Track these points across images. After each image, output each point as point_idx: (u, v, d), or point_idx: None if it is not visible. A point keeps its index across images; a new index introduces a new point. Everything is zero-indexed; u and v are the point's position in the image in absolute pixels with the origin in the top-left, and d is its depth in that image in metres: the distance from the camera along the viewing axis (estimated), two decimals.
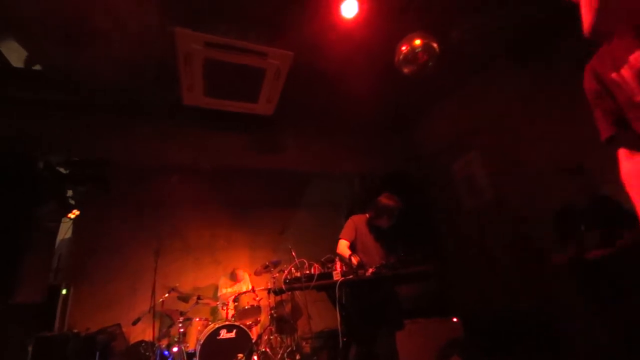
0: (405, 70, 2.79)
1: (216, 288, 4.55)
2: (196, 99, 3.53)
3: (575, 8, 1.08)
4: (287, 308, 4.43)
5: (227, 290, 4.38)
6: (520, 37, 3.35)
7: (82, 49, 3.12)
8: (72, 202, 4.03)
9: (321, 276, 2.40)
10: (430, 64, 2.76)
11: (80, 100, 3.81)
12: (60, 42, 3.00)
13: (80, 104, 3.84)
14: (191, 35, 2.88)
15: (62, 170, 4.07)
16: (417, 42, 2.71)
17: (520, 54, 3.42)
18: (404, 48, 2.76)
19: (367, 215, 2.91)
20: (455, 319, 3.42)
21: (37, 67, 3.34)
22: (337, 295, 2.31)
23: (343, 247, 2.75)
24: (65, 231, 4.36)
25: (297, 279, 2.47)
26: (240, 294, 4.04)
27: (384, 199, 2.78)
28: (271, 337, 4.08)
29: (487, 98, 4.05)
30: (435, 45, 2.71)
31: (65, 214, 4.17)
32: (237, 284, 4.50)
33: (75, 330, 3.89)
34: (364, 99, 4.13)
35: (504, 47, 3.49)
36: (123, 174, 4.43)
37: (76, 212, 3.96)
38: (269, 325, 4.09)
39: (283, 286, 2.47)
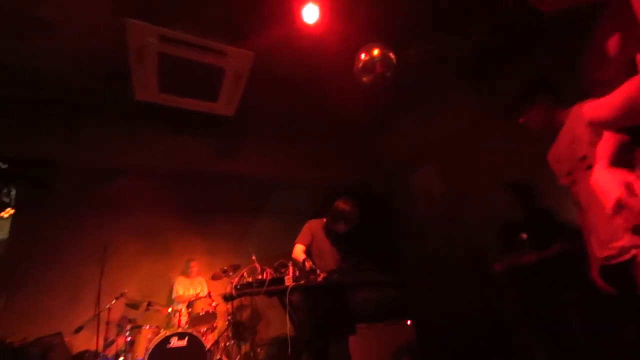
0: (364, 79, 2.83)
1: (170, 291, 4.35)
2: (151, 95, 3.37)
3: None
4: (246, 313, 4.34)
5: (183, 293, 4.20)
6: (473, 60, 3.54)
7: (26, 40, 2.89)
8: (7, 199, 3.70)
9: (273, 281, 2.36)
10: (387, 74, 2.81)
11: (24, 95, 3.52)
12: (3, 33, 2.75)
13: (25, 99, 3.55)
14: (145, 28, 2.75)
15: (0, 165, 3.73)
16: (376, 52, 2.76)
17: (472, 74, 3.61)
18: (362, 56, 2.80)
19: (324, 220, 2.92)
20: (408, 322, 3.51)
21: None
22: (287, 301, 2.29)
23: (298, 251, 2.75)
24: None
25: (249, 285, 2.43)
26: (195, 299, 3.89)
27: (341, 204, 2.80)
28: (227, 344, 3.97)
29: (443, 114, 4.24)
30: (392, 57, 2.78)
31: None
32: (192, 282, 4.33)
33: (8, 341, 3.57)
34: (328, 107, 4.16)
35: (459, 68, 3.66)
36: (69, 175, 4.12)
37: (10, 211, 3.64)
38: (226, 331, 3.97)
39: (233, 292, 2.41)
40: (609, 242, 1.25)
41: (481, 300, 3.71)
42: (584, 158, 1.40)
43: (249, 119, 4.12)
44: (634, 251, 1.15)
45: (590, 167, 1.35)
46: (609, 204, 1.07)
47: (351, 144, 5.22)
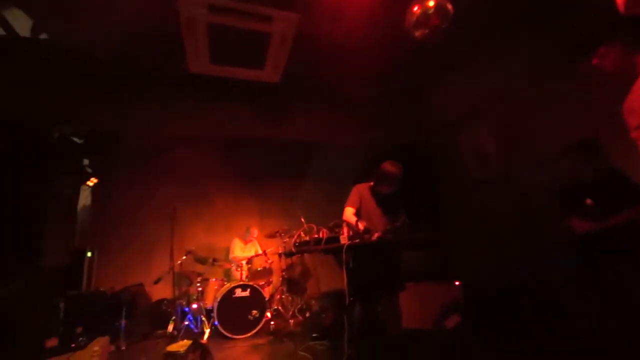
0: (417, 34, 2.67)
1: (227, 251, 4.79)
2: (202, 66, 3.50)
3: None
4: (298, 270, 4.67)
5: (238, 254, 4.61)
6: (536, 3, 3.14)
7: (83, 19, 3.08)
8: (90, 170, 4.18)
9: (329, 240, 2.50)
10: (443, 27, 2.63)
11: (86, 71, 3.81)
12: (64, 11, 2.95)
13: (87, 75, 3.84)
14: None
15: (76, 140, 4.18)
16: (431, 3, 2.57)
17: (536, 17, 3.21)
18: (415, 9, 2.63)
19: (371, 183, 2.96)
20: (457, 283, 3.57)
21: (44, 36, 3.32)
22: (343, 258, 2.43)
23: (349, 214, 2.84)
24: (86, 198, 4.57)
25: (306, 243, 2.59)
26: (253, 257, 4.26)
27: (387, 166, 2.80)
28: (282, 297, 4.36)
29: (497, 68, 3.90)
30: (449, 6, 2.58)
31: (83, 182, 4.35)
32: (247, 246, 4.72)
33: (102, 289, 4.22)
34: (371, 68, 4.03)
35: (518, 13, 3.28)
36: (135, 144, 4.53)
37: (94, 180, 4.12)
38: (281, 286, 4.34)
39: (293, 249, 2.60)
40: None
41: (532, 262, 3.64)
42: None
43: (294, 84, 4.13)
44: None
45: None
46: None
47: (395, 105, 5.07)
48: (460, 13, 2.72)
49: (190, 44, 3.18)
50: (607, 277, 2.24)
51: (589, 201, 2.39)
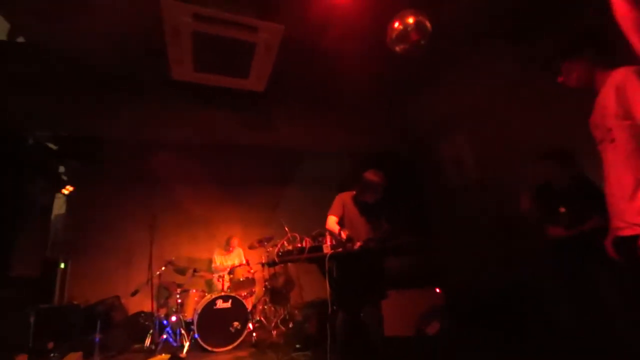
0: (397, 48, 2.77)
1: (210, 262, 4.70)
2: (186, 74, 3.47)
3: None
4: (281, 280, 4.63)
5: (220, 264, 4.54)
6: (512, 15, 3.32)
7: (67, 22, 3.01)
8: (65, 177, 4.04)
9: (312, 249, 2.51)
10: (422, 42, 2.74)
11: (66, 75, 3.71)
12: (44, 15, 2.89)
13: (67, 79, 3.74)
14: (179, 7, 2.80)
15: (51, 146, 4.04)
16: (410, 20, 2.68)
17: (511, 32, 3.40)
18: (396, 25, 2.73)
19: (354, 191, 3.01)
20: (437, 290, 3.65)
21: (21, 40, 3.22)
22: (326, 267, 2.44)
23: (332, 222, 2.86)
24: (60, 206, 4.40)
25: (289, 252, 2.60)
26: (235, 267, 4.20)
27: (369, 175, 2.85)
28: (265, 307, 4.31)
29: (477, 79, 4.07)
30: (428, 23, 2.69)
31: (58, 190, 4.19)
32: (230, 255, 4.65)
33: (75, 302, 4.04)
34: (356, 76, 4.10)
35: (496, 25, 3.46)
36: (115, 150, 4.42)
37: (70, 188, 3.98)
38: (263, 296, 4.29)
39: (276, 259, 2.59)
40: (622, 215, 1.32)
41: (510, 266, 3.76)
42: (609, 130, 1.36)
43: (279, 92, 4.16)
44: (638, 229, 1.22)
45: (614, 141, 1.34)
46: (629, 188, 1.23)
47: (379, 114, 5.17)
48: (440, 28, 2.85)
49: (174, 51, 3.17)
50: (581, 279, 2.34)
51: (562, 209, 2.52)
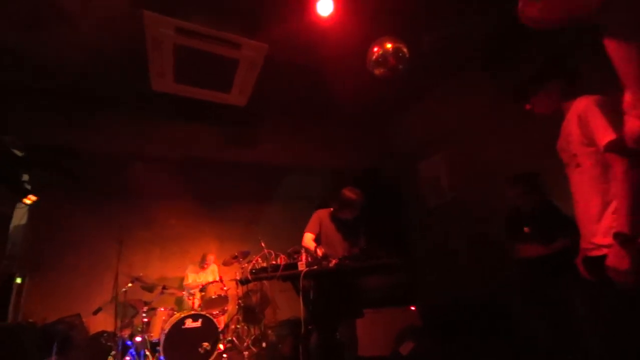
0: (376, 72, 2.89)
1: (182, 279, 4.51)
2: (166, 85, 3.44)
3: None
4: (255, 297, 4.50)
5: (193, 280, 4.36)
6: (488, 46, 3.55)
7: (46, 32, 2.95)
8: (28, 187, 3.81)
9: (287, 267, 2.47)
10: (400, 67, 2.87)
11: (43, 85, 3.59)
12: (23, 24, 2.82)
13: (44, 89, 3.63)
14: (160, 20, 2.81)
15: (17, 152, 3.83)
16: (389, 45, 2.81)
17: (488, 62, 3.62)
18: (375, 49, 2.86)
19: (331, 209, 3.02)
20: (412, 308, 3.66)
21: None
22: (301, 285, 2.41)
23: (308, 239, 2.85)
24: (21, 217, 4.13)
25: (263, 269, 2.54)
26: (207, 284, 4.05)
27: (347, 192, 2.88)
28: (238, 327, 4.15)
29: (457, 102, 4.26)
30: (405, 50, 2.83)
31: (19, 199, 3.94)
32: (204, 272, 4.49)
33: (31, 320, 3.74)
34: (340, 95, 4.21)
35: (474, 55, 3.68)
36: (86, 161, 4.24)
37: (32, 198, 3.75)
38: (236, 314, 4.14)
39: (249, 276, 2.53)
40: (590, 237, 1.38)
41: (485, 286, 3.84)
42: (575, 155, 1.43)
43: (261, 107, 4.18)
44: (605, 250, 1.27)
45: (579, 166, 1.42)
46: (595, 210, 1.32)
47: (362, 132, 5.28)
48: (419, 56, 3.00)
49: (155, 63, 3.15)
50: (553, 297, 2.42)
51: (526, 229, 2.64)
